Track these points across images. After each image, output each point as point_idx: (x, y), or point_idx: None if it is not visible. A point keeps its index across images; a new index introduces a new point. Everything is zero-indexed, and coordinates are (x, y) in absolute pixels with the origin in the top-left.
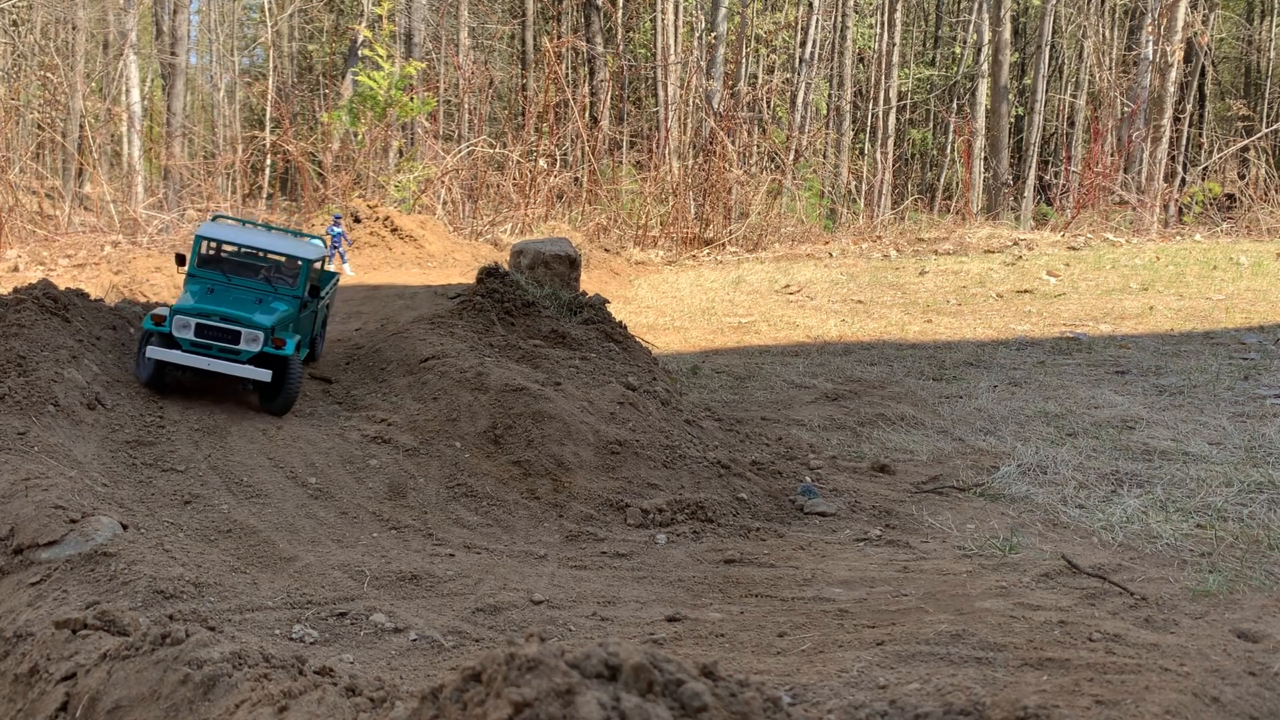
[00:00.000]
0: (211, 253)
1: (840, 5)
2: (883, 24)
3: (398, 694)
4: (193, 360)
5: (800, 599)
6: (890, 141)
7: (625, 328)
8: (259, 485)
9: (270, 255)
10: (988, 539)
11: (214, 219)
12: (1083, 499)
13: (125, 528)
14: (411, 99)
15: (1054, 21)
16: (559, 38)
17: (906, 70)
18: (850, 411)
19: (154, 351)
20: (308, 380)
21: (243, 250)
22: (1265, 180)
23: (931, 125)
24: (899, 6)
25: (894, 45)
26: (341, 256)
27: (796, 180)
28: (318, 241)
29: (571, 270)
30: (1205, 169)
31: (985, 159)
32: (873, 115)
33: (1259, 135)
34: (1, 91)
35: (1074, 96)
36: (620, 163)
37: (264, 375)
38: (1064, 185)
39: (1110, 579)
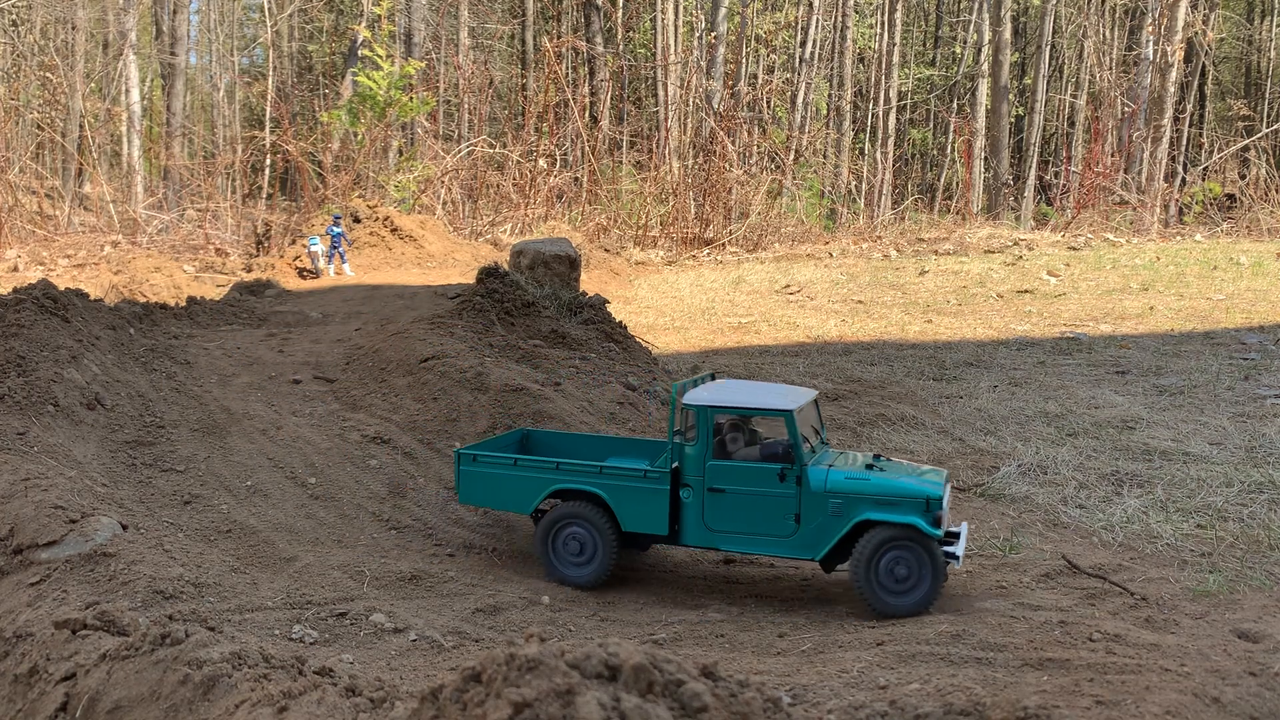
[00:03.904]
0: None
1: (840, 5)
2: (883, 24)
3: (398, 694)
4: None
5: (800, 599)
6: (890, 141)
7: (625, 328)
8: (259, 485)
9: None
10: (988, 539)
11: (706, 384)
12: (1083, 499)
13: (125, 528)
14: (411, 99)
15: (1054, 21)
16: (559, 38)
17: (906, 70)
18: (850, 411)
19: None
20: (309, 381)
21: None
22: (1265, 180)
23: (931, 125)
24: (899, 6)
25: (894, 45)
26: (341, 256)
27: (796, 180)
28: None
29: (571, 270)
30: (1205, 169)
31: (985, 159)
32: (873, 115)
33: (1259, 135)
34: (1, 91)
35: (1074, 96)
36: (620, 163)
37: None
38: (1064, 185)
39: (1110, 579)
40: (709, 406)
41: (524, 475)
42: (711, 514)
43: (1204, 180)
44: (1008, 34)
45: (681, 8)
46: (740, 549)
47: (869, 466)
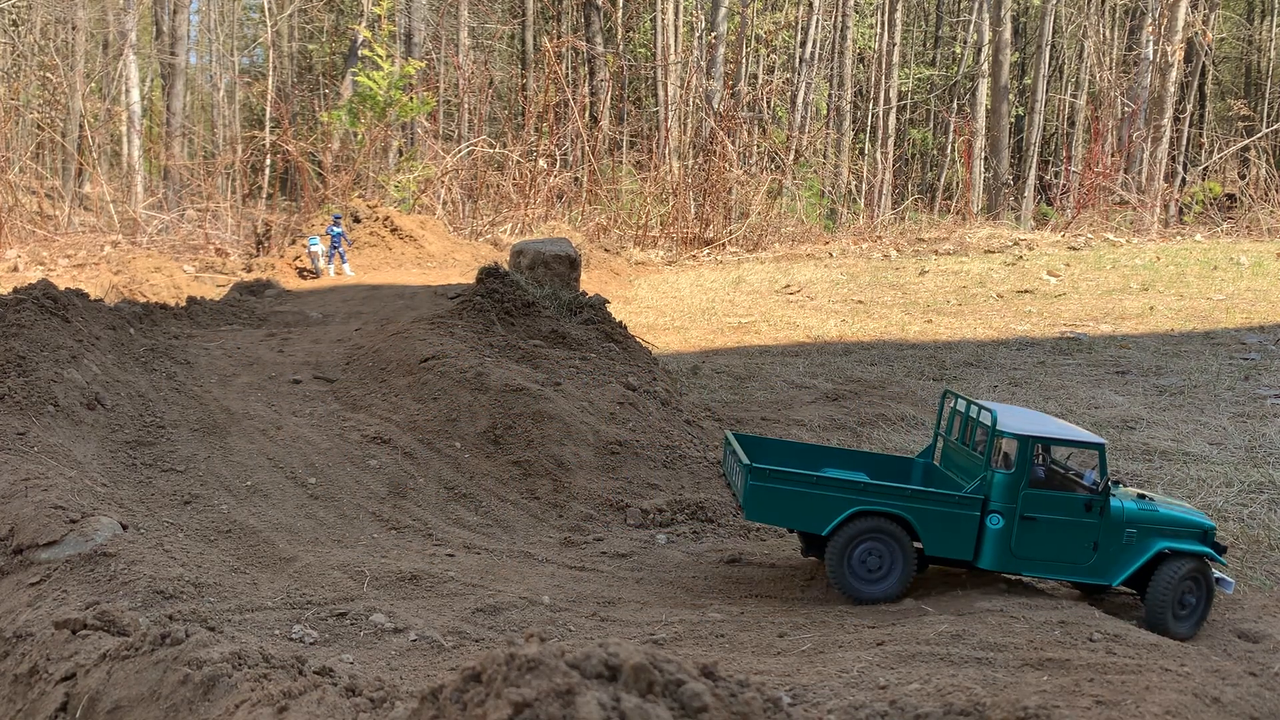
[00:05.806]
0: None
1: (840, 5)
2: (883, 24)
3: (398, 694)
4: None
5: (800, 599)
6: (890, 141)
7: (625, 328)
8: (259, 485)
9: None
10: None
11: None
12: None
13: (125, 528)
14: (411, 99)
15: (1054, 21)
16: (559, 38)
17: (906, 70)
18: (850, 411)
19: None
20: (309, 381)
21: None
22: (1265, 180)
23: (932, 125)
24: (899, 6)
25: (894, 45)
26: (341, 256)
27: (796, 180)
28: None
29: (571, 270)
30: (1205, 169)
31: (985, 159)
32: (873, 115)
33: (1259, 135)
34: (1, 91)
35: (1074, 96)
36: (620, 163)
37: None
38: (1064, 185)
39: None
40: (1032, 437)
41: (826, 495)
42: (1020, 541)
43: (1204, 180)
44: (1008, 34)
45: (681, 8)
46: (1037, 574)
47: (1140, 497)
